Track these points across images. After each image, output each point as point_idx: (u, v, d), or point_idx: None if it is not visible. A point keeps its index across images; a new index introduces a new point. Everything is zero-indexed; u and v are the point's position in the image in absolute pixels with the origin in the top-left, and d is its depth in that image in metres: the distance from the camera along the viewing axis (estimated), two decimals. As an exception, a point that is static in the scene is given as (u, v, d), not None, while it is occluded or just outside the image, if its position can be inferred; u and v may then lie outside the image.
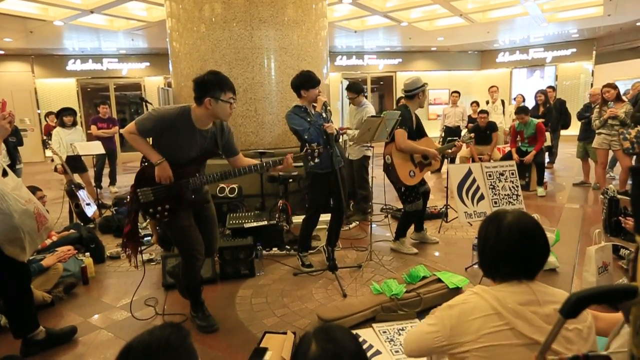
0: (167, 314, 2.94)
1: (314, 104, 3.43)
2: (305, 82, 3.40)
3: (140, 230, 4.68)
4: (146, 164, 2.54)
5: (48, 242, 3.66)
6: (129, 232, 2.63)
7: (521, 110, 6.31)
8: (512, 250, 1.29)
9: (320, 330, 1.04)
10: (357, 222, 5.00)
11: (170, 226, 2.60)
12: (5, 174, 2.22)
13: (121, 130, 2.64)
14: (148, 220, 4.79)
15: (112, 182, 7.83)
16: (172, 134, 2.44)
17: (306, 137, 3.34)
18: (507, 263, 1.30)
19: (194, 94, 2.47)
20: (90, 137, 7.35)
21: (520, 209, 1.29)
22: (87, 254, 3.80)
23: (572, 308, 0.93)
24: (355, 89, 5.00)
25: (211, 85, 2.41)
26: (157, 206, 2.48)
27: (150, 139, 2.55)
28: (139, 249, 2.73)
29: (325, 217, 3.77)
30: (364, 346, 2.38)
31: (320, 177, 3.47)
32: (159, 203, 2.48)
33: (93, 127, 7.44)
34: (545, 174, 6.56)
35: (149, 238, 4.43)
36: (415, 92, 3.80)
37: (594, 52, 13.40)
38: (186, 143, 2.48)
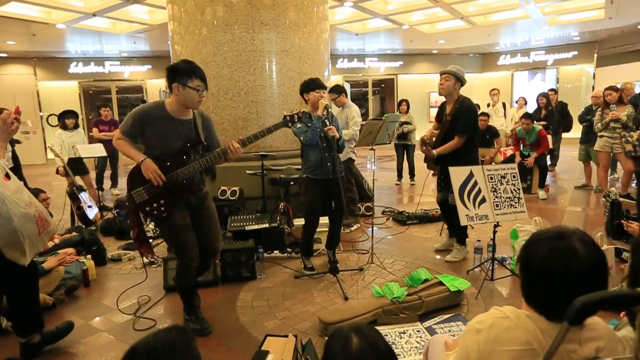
0: (142, 317, 2.94)
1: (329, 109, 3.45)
2: (307, 85, 3.47)
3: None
4: (135, 166, 2.58)
5: (50, 244, 3.66)
6: (137, 235, 2.69)
7: (528, 116, 6.35)
8: (577, 291, 1.00)
9: (354, 328, 1.13)
10: (359, 225, 5.00)
11: (165, 226, 2.63)
12: (7, 177, 2.22)
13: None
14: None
15: (114, 184, 7.83)
16: (152, 126, 2.51)
17: (302, 138, 3.40)
18: (562, 301, 1.03)
19: (166, 81, 2.55)
20: (92, 140, 7.36)
21: (583, 233, 1.10)
22: (89, 256, 3.80)
23: (578, 315, 0.87)
24: (336, 89, 5.00)
25: (179, 72, 2.46)
26: (153, 203, 2.52)
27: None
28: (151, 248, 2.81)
29: (326, 220, 3.78)
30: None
31: (314, 182, 3.50)
32: (153, 200, 2.52)
33: (95, 130, 7.45)
34: (547, 176, 6.55)
35: (151, 241, 4.43)
36: None
37: (596, 55, 13.40)
38: (167, 133, 2.52)
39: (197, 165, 2.55)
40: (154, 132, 2.52)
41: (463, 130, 3.51)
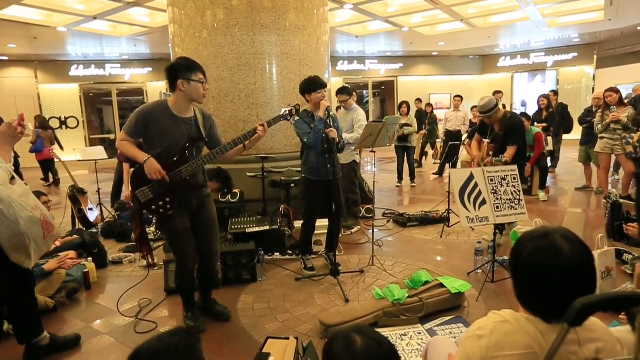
0: (143, 319, 2.94)
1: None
2: (308, 85, 3.46)
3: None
4: (137, 166, 2.59)
5: (51, 247, 3.66)
6: (139, 235, 2.70)
7: (523, 115, 6.32)
8: (565, 289, 1.03)
9: (354, 329, 1.11)
10: (359, 227, 5.00)
11: (165, 229, 2.71)
12: (13, 180, 2.23)
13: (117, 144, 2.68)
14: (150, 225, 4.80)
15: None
16: (155, 125, 2.54)
17: (305, 140, 3.40)
18: (553, 300, 1.05)
19: (167, 81, 2.59)
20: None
21: (565, 230, 1.11)
22: (90, 259, 3.80)
23: (578, 316, 0.87)
24: (346, 91, 5.00)
25: (181, 68, 2.52)
26: (158, 202, 2.55)
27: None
28: (151, 250, 2.82)
29: (326, 222, 3.78)
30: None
31: (313, 183, 3.51)
32: (159, 198, 2.54)
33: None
34: (548, 178, 6.55)
35: (151, 243, 4.43)
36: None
37: (595, 57, 13.42)
38: (170, 132, 2.55)
39: (205, 159, 2.59)
40: (158, 131, 2.54)
41: (516, 140, 4.18)
